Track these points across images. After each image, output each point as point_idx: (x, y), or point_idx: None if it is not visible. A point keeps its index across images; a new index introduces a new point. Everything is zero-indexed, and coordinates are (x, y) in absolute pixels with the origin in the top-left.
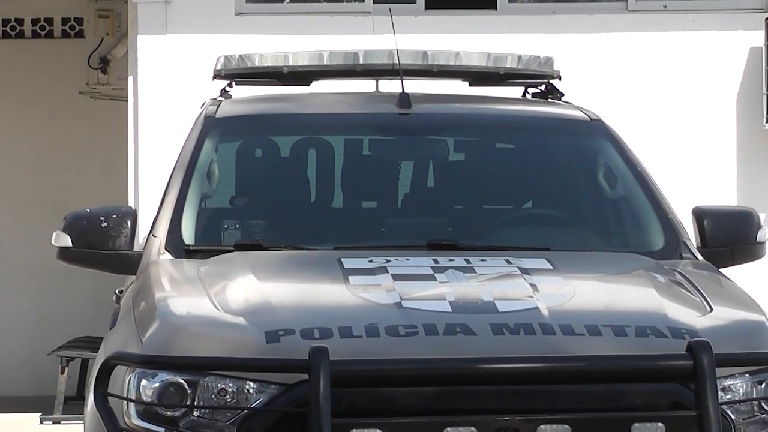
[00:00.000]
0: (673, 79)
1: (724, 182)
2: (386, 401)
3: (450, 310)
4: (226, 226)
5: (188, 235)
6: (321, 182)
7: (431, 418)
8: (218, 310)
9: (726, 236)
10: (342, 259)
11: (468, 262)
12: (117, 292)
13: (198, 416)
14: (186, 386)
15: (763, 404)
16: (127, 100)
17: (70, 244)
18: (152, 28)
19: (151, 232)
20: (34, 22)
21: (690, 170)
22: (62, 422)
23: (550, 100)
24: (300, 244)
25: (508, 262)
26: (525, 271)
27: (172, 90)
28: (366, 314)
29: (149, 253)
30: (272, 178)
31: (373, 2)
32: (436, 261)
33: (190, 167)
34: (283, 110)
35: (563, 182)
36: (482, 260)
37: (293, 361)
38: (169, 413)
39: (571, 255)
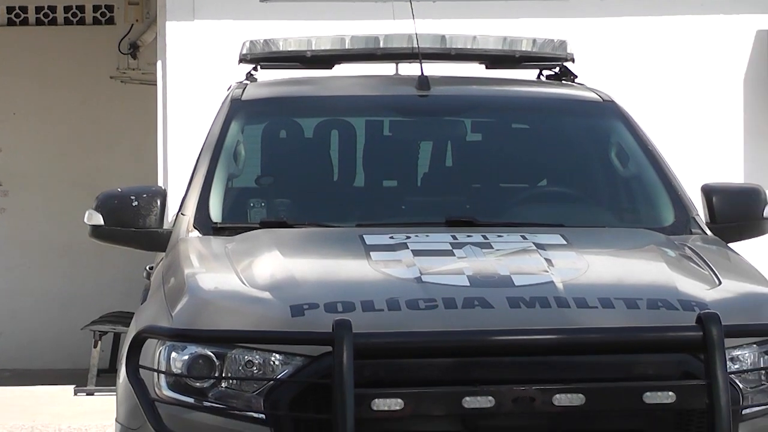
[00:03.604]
0: (682, 61)
1: (731, 160)
2: (407, 372)
3: (468, 285)
4: (252, 205)
5: (216, 213)
6: (343, 162)
7: (450, 389)
8: (245, 285)
9: (734, 212)
10: (364, 236)
11: (485, 238)
12: (147, 268)
13: (226, 387)
14: (214, 358)
15: None
16: (156, 84)
17: (102, 222)
18: (180, 15)
19: (180, 210)
20: (67, 9)
21: (698, 149)
22: (95, 393)
23: (563, 82)
24: (323, 221)
25: (524, 237)
26: (540, 247)
27: (199, 74)
28: (387, 288)
29: (178, 230)
30: (296, 159)
31: None
32: (454, 237)
33: (217, 148)
34: (306, 93)
35: (577, 161)
36: (499, 236)
37: (317, 334)
38: (198, 384)
39: (585, 231)
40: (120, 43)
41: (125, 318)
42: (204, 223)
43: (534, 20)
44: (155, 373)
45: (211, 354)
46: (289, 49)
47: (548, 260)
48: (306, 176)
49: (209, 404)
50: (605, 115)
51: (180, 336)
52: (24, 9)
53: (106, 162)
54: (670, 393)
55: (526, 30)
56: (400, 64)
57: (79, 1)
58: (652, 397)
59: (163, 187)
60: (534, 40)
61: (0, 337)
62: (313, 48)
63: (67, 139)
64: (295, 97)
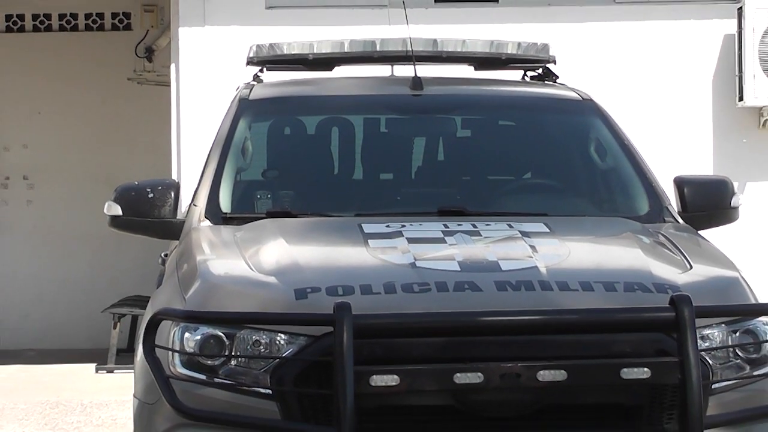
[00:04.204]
0: (656, 63)
1: (701, 154)
2: (402, 351)
3: (459, 269)
4: (258, 196)
5: (225, 204)
6: (343, 156)
7: (442, 366)
8: (252, 270)
9: (704, 202)
10: (362, 225)
11: (474, 226)
12: (162, 255)
13: (235, 365)
14: (224, 338)
15: (737, 351)
16: (170, 86)
17: (120, 213)
18: (192, 21)
19: (192, 201)
20: (87, 16)
21: (671, 144)
22: (115, 371)
23: (546, 82)
24: (325, 211)
25: (510, 226)
26: (525, 234)
27: (209, 76)
28: (384, 273)
29: (191, 220)
30: (300, 153)
31: None
32: (446, 226)
33: (226, 144)
34: (309, 93)
35: (559, 155)
36: (487, 225)
37: (320, 316)
38: (209, 362)
39: (566, 220)
40: (136, 47)
41: (142, 301)
42: (214, 213)
43: (519, 25)
44: (170, 352)
45: (222, 334)
46: (293, 53)
47: (533, 247)
48: (308, 170)
49: (220, 381)
50: (585, 112)
51: (192, 318)
52: (48, 16)
53: (123, 157)
54: (646, 369)
55: (512, 34)
56: (395, 66)
57: (99, 8)
58: (628, 373)
59: (176, 180)
60: (519, 44)
61: (26, 319)
62: (315, 51)
63: (88, 136)
64: (299, 97)
